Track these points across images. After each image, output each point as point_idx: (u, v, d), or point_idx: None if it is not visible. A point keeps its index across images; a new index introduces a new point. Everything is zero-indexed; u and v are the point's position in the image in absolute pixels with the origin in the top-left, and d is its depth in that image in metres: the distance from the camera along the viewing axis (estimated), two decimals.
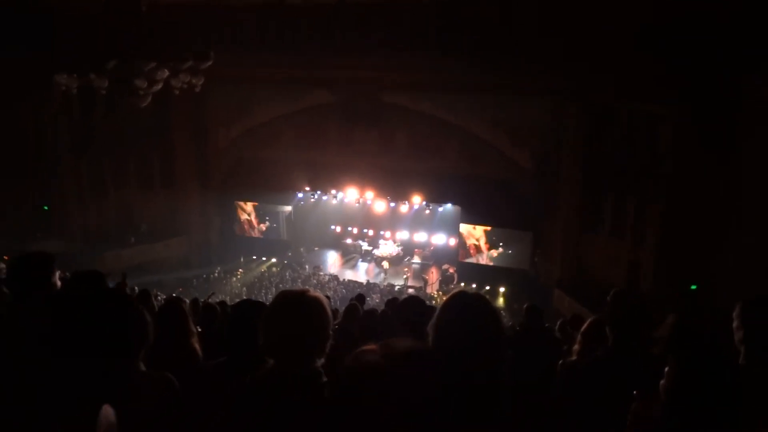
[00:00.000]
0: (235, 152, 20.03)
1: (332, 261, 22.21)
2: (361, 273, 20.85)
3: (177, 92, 12.97)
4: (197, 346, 3.52)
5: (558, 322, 6.12)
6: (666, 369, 1.88)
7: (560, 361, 2.86)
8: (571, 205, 16.48)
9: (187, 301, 6.38)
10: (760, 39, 10.48)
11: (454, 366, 1.65)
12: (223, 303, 7.73)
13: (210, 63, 12.38)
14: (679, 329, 2.34)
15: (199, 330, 5.41)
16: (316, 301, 2.02)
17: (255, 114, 19.38)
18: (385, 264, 20.68)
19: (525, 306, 4.98)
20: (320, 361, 2.02)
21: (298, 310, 1.98)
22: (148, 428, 2.30)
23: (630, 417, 1.94)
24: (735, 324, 2.41)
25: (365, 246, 21.99)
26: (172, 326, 3.38)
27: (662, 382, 1.87)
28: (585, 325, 3.34)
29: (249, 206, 21.44)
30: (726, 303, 2.62)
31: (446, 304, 1.83)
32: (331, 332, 2.04)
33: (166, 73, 11.89)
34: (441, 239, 21.31)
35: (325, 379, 1.99)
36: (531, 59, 14.22)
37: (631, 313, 2.44)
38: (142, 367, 2.58)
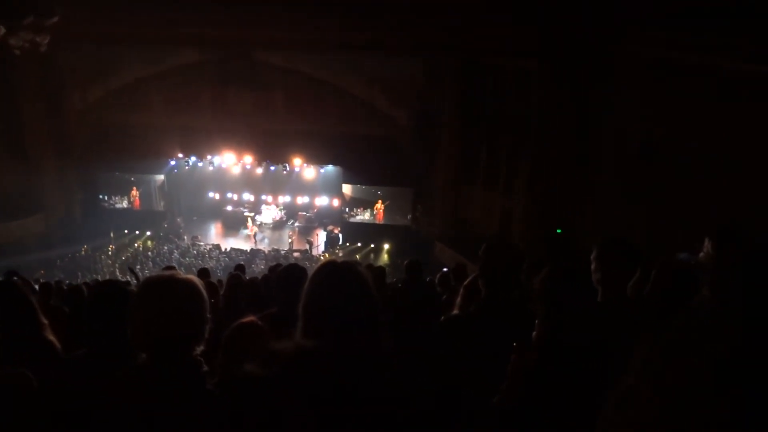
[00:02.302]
0: (96, 118, 18.34)
1: (213, 230, 21.40)
2: (245, 240, 20.32)
3: (18, 52, 11.56)
4: (52, 337, 3.17)
5: (438, 275, 6.34)
6: (537, 320, 1.97)
7: (441, 318, 2.92)
8: (448, 160, 17.08)
9: (36, 286, 5.78)
10: (628, 4, 11.12)
11: (326, 339, 1.63)
12: (90, 283, 7.15)
13: (56, 19, 11.11)
14: (548, 281, 2.45)
15: (67, 311, 4.96)
16: (186, 284, 1.85)
17: (117, 75, 17.82)
18: (254, 230, 20.29)
19: (405, 262, 5.09)
20: (199, 348, 1.88)
21: (168, 296, 1.81)
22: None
23: (508, 369, 2.01)
24: (593, 266, 2.59)
25: (247, 212, 21.40)
26: (16, 318, 2.99)
27: (534, 333, 1.96)
28: (468, 279, 3.43)
29: None
30: (587, 245, 2.81)
31: (314, 274, 1.77)
32: (208, 315, 1.90)
33: (2, 30, 10.51)
34: (324, 201, 21.27)
35: (205, 368, 1.86)
36: (395, 15, 14.16)
37: (503, 267, 2.54)
38: None
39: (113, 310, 2.21)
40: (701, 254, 2.39)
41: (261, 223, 21.10)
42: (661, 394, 1.36)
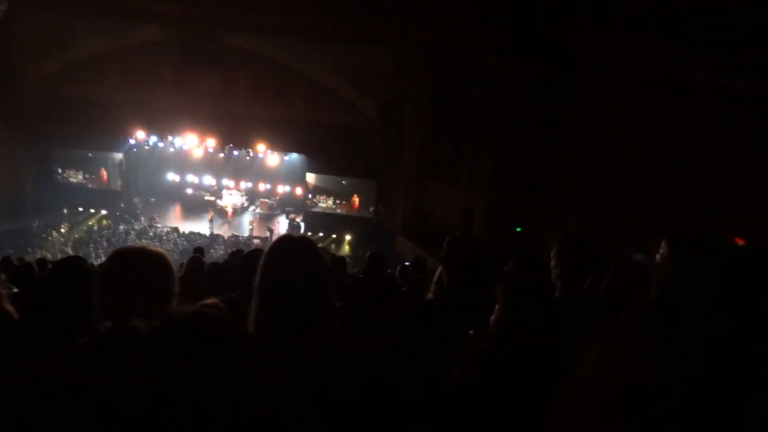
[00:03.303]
0: (51, 91, 17.69)
1: (171, 212, 20.97)
2: (204, 224, 19.98)
3: None
4: (10, 307, 3.10)
5: (398, 267, 6.39)
6: (496, 305, 2.04)
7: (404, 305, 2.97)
8: (413, 153, 17.14)
9: None
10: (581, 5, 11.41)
11: (279, 307, 1.66)
12: (42, 260, 6.94)
13: None
14: (515, 270, 2.52)
15: (15, 291, 4.81)
16: (157, 255, 1.88)
17: (74, 48, 17.20)
18: (210, 214, 20.00)
19: (368, 253, 5.12)
20: None
21: (137, 265, 1.83)
22: None
23: (463, 352, 2.08)
24: (552, 262, 2.67)
25: (207, 196, 21.03)
26: None
27: (492, 317, 2.04)
28: (437, 273, 3.48)
29: None
30: (546, 242, 2.90)
31: (271, 247, 1.80)
32: (176, 289, 1.92)
33: None
34: (287, 189, 21.09)
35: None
36: (365, 8, 14.10)
37: (464, 257, 2.61)
38: None
39: (74, 285, 2.18)
40: (657, 256, 2.51)
41: (221, 208, 20.79)
42: (612, 386, 1.43)
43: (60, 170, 19.57)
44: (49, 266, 6.10)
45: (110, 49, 17.16)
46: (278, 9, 13.88)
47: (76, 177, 19.72)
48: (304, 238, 1.85)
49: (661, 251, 2.63)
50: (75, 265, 2.48)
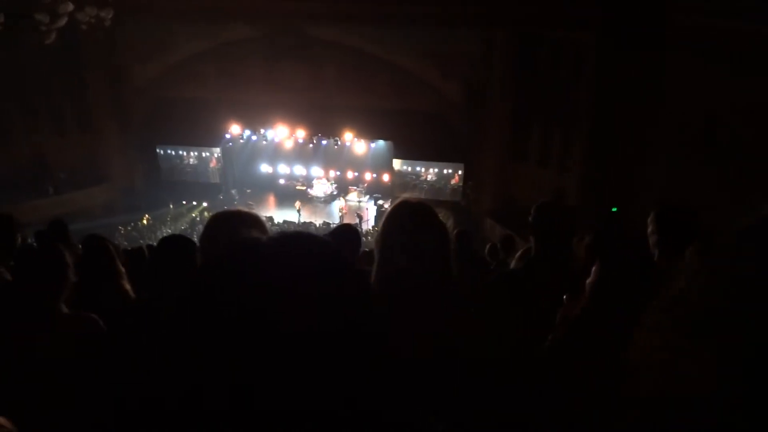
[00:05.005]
0: (154, 92, 18.98)
1: (265, 202, 21.87)
2: (296, 213, 20.67)
3: (84, 27, 12.03)
4: (128, 286, 3.41)
5: (487, 246, 6.32)
6: (593, 268, 1.98)
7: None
8: (500, 136, 16.81)
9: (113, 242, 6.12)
10: None
11: (403, 274, 1.67)
12: (150, 246, 7.46)
13: None
14: (599, 239, 2.44)
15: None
16: (252, 215, 1.98)
17: (173, 51, 18.32)
18: (297, 204, 20.53)
19: (455, 231, 5.11)
20: None
21: (234, 224, 1.90)
22: (72, 368, 2.23)
23: (558, 318, 2.04)
24: (650, 229, 2.55)
25: (299, 186, 21.73)
26: (98, 267, 3.25)
27: (588, 280, 1.97)
28: (523, 248, 3.42)
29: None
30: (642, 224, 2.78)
31: (390, 212, 1.83)
32: None
33: (70, 6, 10.94)
34: (374, 175, 21.33)
35: None
36: None
37: (554, 223, 2.53)
38: (64, 309, 2.49)
39: (178, 255, 2.35)
40: None
41: (312, 197, 21.40)
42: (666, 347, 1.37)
43: (183, 152, 21.11)
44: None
45: (205, 49, 18.09)
46: None
47: (190, 159, 21.18)
48: (421, 202, 1.87)
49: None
50: (178, 236, 2.68)
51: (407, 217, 1.76)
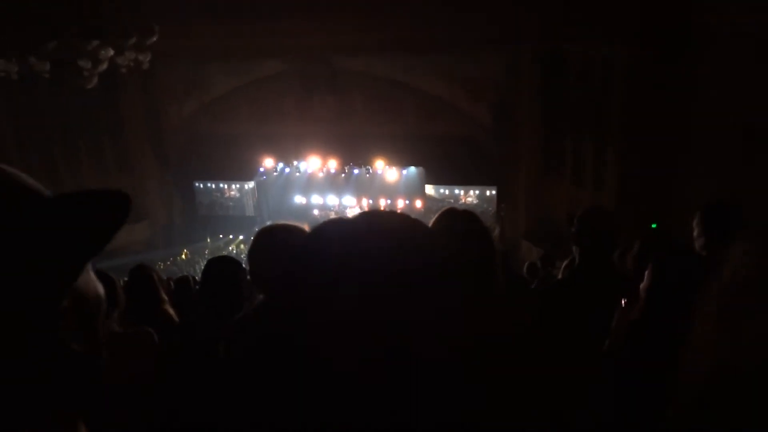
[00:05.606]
0: (189, 130, 19.58)
1: None
2: None
3: (124, 70, 12.55)
4: (172, 311, 3.50)
5: (525, 264, 6.26)
6: (646, 271, 1.95)
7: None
8: (531, 154, 16.69)
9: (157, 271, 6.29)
10: None
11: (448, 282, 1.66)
12: (194, 278, 7.64)
13: (155, 37, 11.97)
14: (647, 244, 2.40)
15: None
16: (299, 228, 2.02)
17: (207, 89, 18.90)
18: None
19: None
20: None
21: (286, 237, 1.95)
22: (130, 381, 2.29)
23: (614, 322, 2.01)
24: (696, 232, 2.50)
25: (333, 215, 21.92)
26: (142, 294, 3.34)
27: (642, 284, 1.95)
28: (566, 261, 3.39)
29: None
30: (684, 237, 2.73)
31: (436, 220, 1.83)
32: None
33: (111, 51, 11.45)
34: (407, 202, 21.39)
35: None
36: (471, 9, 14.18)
37: (597, 231, 2.50)
38: (116, 328, 2.57)
39: (225, 274, 2.41)
40: None
41: None
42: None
43: (223, 186, 21.64)
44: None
45: (239, 85, 18.61)
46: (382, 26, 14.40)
47: (231, 192, 21.69)
48: (467, 210, 1.87)
49: None
50: (224, 258, 2.75)
51: (456, 220, 1.76)
